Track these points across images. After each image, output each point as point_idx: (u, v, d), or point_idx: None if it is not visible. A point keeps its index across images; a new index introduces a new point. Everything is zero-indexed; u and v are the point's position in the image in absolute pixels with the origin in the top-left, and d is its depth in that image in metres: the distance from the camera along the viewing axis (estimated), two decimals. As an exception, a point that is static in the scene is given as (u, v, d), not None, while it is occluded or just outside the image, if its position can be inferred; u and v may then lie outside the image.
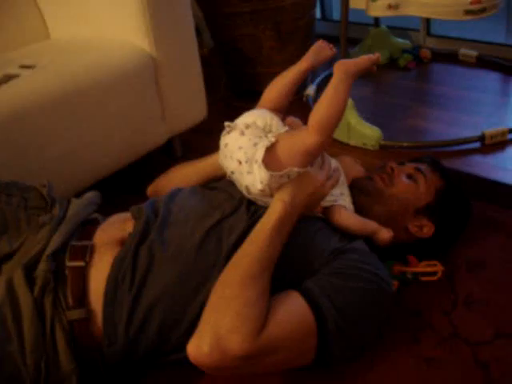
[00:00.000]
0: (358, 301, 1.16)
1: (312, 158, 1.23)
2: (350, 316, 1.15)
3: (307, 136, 1.18)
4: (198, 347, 1.03)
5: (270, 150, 1.19)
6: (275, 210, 1.19)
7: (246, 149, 1.23)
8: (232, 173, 1.27)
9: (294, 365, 1.18)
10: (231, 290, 1.08)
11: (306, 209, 1.26)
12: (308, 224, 1.28)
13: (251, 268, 1.11)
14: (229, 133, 1.29)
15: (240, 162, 1.23)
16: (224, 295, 1.08)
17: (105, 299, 1.17)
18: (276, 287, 1.14)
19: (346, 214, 1.34)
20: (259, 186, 1.20)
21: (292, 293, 1.15)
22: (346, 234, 1.32)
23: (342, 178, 1.39)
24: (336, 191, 1.36)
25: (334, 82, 1.20)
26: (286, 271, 1.19)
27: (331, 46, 1.45)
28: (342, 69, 1.21)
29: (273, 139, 1.20)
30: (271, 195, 1.23)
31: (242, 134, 1.26)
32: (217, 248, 1.21)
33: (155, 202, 1.36)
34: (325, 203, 1.34)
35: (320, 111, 1.18)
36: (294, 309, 1.12)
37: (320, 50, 1.43)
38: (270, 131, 1.29)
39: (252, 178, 1.21)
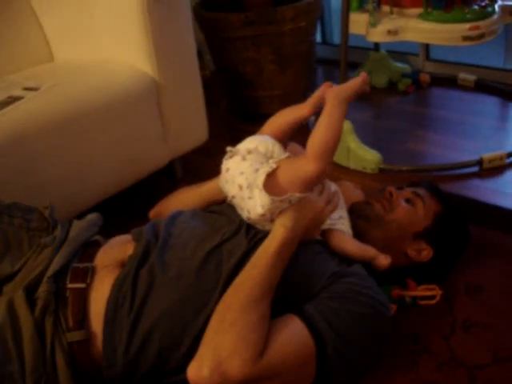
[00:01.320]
0: (356, 325, 1.17)
1: (312, 184, 1.24)
2: (349, 340, 1.15)
3: (306, 164, 1.18)
4: (199, 370, 1.04)
5: (271, 175, 1.20)
6: (277, 235, 1.20)
7: (247, 174, 1.24)
8: (233, 197, 1.28)
9: None
10: (232, 313, 1.09)
11: (305, 233, 1.27)
12: (307, 248, 1.29)
13: (252, 292, 1.12)
14: (231, 157, 1.31)
15: (241, 187, 1.24)
16: (225, 319, 1.09)
17: (105, 321, 1.17)
18: (275, 311, 1.15)
19: (344, 238, 1.35)
20: (260, 211, 1.21)
21: (291, 317, 1.15)
22: (345, 258, 1.33)
23: (341, 202, 1.40)
24: (335, 215, 1.36)
25: (327, 109, 1.22)
26: (285, 295, 1.20)
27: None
28: (334, 96, 1.22)
29: (274, 165, 1.21)
30: (271, 220, 1.24)
31: (244, 159, 1.28)
32: (216, 271, 1.21)
33: (156, 225, 1.37)
34: (323, 226, 1.34)
35: (317, 139, 1.19)
36: (293, 333, 1.13)
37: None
38: (272, 157, 1.30)
39: (253, 202, 1.21)
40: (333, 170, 2.09)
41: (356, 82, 1.25)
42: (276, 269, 1.16)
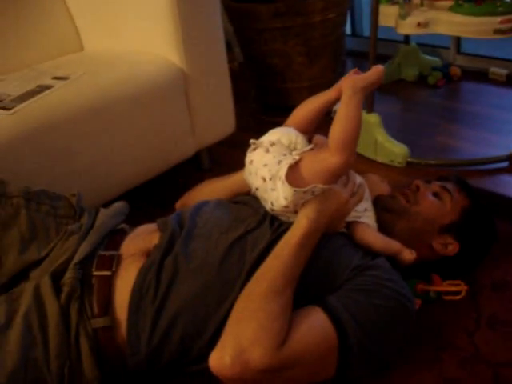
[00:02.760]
0: (380, 318, 1.17)
1: (336, 176, 1.23)
2: (371, 333, 1.15)
3: (329, 155, 1.18)
4: (221, 359, 1.04)
5: (294, 167, 1.20)
6: (300, 225, 1.20)
7: (270, 166, 1.24)
8: (256, 189, 1.29)
9: (315, 380, 1.18)
10: (255, 303, 1.10)
11: (329, 225, 1.27)
12: (332, 240, 1.29)
13: (275, 282, 1.12)
14: (254, 150, 1.31)
15: (264, 179, 1.24)
16: (247, 308, 1.10)
17: (129, 309, 1.18)
18: (298, 302, 1.15)
19: (369, 232, 1.34)
20: (283, 203, 1.21)
21: (314, 308, 1.15)
22: (369, 252, 1.32)
23: (367, 195, 1.39)
24: (360, 207, 1.36)
25: (343, 99, 1.21)
26: (308, 286, 1.20)
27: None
28: (349, 85, 1.22)
29: (297, 157, 1.21)
30: (295, 211, 1.24)
31: (267, 151, 1.28)
32: (240, 261, 1.22)
33: (181, 214, 1.38)
34: (348, 218, 1.34)
35: (336, 130, 1.19)
36: (316, 324, 1.13)
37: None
38: (295, 149, 1.30)
39: (276, 194, 1.22)
40: (360, 163, 2.12)
41: (372, 72, 1.25)
42: (299, 259, 1.17)
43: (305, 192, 1.19)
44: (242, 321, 1.08)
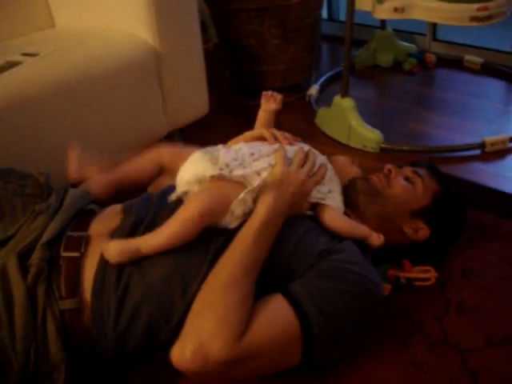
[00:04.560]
0: (343, 303, 1.16)
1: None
2: (335, 319, 1.14)
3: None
4: (181, 352, 1.03)
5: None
6: (257, 213, 1.19)
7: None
8: None
9: (279, 369, 1.17)
10: (213, 294, 1.09)
11: (291, 208, 1.26)
12: (297, 224, 1.28)
13: (234, 272, 1.11)
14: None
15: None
16: (207, 300, 1.09)
17: (92, 294, 1.17)
18: (263, 289, 1.14)
19: (335, 215, 1.33)
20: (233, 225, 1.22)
21: (277, 296, 1.14)
22: (336, 235, 1.32)
23: (331, 175, 1.38)
24: (323, 188, 1.35)
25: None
26: (273, 273, 1.19)
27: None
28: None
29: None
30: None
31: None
32: (204, 249, 1.20)
33: (148, 200, 1.36)
34: (311, 199, 1.33)
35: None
36: (277, 313, 1.12)
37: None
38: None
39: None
40: (332, 147, 2.13)
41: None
42: (258, 248, 1.16)
43: (234, 219, 1.21)
44: (201, 313, 1.08)
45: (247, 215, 1.23)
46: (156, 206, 1.31)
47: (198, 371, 1.04)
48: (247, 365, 1.08)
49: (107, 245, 1.17)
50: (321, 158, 1.38)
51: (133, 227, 1.25)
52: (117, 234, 1.24)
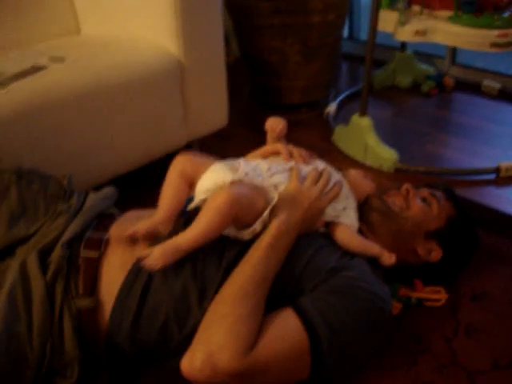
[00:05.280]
0: (353, 319, 1.16)
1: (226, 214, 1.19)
2: (344, 335, 1.14)
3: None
4: (191, 362, 1.05)
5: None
6: (270, 228, 1.21)
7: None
8: None
9: (288, 382, 1.18)
10: (224, 306, 1.10)
11: (305, 224, 1.28)
12: (311, 241, 1.29)
13: (244, 286, 1.12)
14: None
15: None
16: (218, 312, 1.10)
17: (121, 290, 1.19)
18: (273, 303, 1.16)
19: (348, 233, 1.34)
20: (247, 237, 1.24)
21: (286, 310, 1.15)
22: (349, 252, 1.33)
23: (346, 192, 1.39)
24: (338, 205, 1.36)
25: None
26: (284, 287, 1.20)
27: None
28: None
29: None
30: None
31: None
32: (219, 259, 1.22)
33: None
34: (326, 217, 1.34)
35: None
36: (287, 327, 1.12)
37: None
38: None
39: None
40: (349, 165, 2.14)
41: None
42: (269, 262, 1.17)
43: (251, 232, 1.23)
44: (211, 325, 1.09)
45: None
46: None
47: (207, 381, 1.05)
48: (255, 377, 1.08)
49: (149, 252, 1.15)
50: (336, 176, 1.39)
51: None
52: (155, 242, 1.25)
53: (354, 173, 1.50)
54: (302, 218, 1.26)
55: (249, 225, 1.22)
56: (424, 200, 1.45)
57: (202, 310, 1.15)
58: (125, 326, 1.18)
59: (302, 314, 1.14)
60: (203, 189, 1.24)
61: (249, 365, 1.05)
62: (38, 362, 1.10)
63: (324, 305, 1.16)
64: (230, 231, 1.24)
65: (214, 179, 1.24)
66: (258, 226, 1.22)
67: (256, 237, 1.23)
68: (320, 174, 1.34)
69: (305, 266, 1.23)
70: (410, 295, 1.47)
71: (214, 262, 1.21)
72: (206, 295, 1.18)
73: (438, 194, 1.48)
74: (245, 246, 1.22)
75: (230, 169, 1.27)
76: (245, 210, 1.20)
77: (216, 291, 1.15)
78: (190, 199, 1.30)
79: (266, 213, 1.22)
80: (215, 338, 1.05)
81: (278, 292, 1.18)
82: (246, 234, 1.23)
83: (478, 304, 1.50)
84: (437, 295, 1.48)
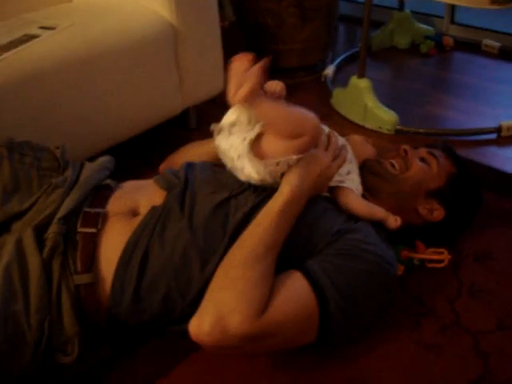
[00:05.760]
0: (359, 282, 1.17)
1: (303, 151, 1.21)
2: (352, 298, 1.15)
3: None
4: (200, 325, 1.04)
5: (258, 141, 1.19)
6: (282, 192, 1.20)
7: (235, 146, 1.23)
8: (231, 168, 1.28)
9: (296, 344, 1.19)
10: (235, 270, 1.09)
11: (313, 190, 1.26)
12: (315, 204, 1.28)
13: (256, 249, 1.11)
14: (218, 133, 1.28)
15: (233, 160, 1.23)
16: (228, 275, 1.09)
17: (118, 263, 1.18)
18: (280, 267, 1.15)
19: (353, 198, 1.33)
20: (257, 177, 1.21)
21: (294, 273, 1.15)
22: (353, 216, 1.32)
23: (350, 156, 1.38)
24: (343, 170, 1.35)
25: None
26: (291, 251, 1.19)
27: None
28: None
29: (257, 131, 1.19)
30: (275, 181, 1.23)
31: (230, 133, 1.26)
32: (223, 225, 1.21)
33: (176, 173, 1.37)
34: (331, 183, 1.33)
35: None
36: (295, 290, 1.12)
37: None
38: (258, 122, 1.24)
39: (247, 171, 1.21)
40: (348, 128, 2.12)
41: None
42: (281, 226, 1.16)
43: (277, 164, 1.19)
44: (221, 288, 1.08)
45: (267, 188, 1.25)
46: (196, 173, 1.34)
47: (215, 344, 1.05)
48: (264, 340, 1.08)
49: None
50: (341, 140, 1.38)
51: (179, 194, 1.28)
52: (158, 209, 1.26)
53: (356, 137, 1.49)
54: (313, 184, 1.25)
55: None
56: (423, 160, 1.44)
57: (205, 276, 1.15)
58: (126, 299, 1.17)
59: (309, 276, 1.14)
60: (228, 157, 1.26)
61: (259, 328, 1.05)
62: (36, 339, 1.09)
63: (331, 267, 1.16)
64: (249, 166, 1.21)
65: (233, 149, 1.24)
66: (281, 164, 1.20)
67: (263, 199, 1.22)
68: (329, 140, 1.32)
69: (311, 228, 1.23)
70: (412, 256, 1.46)
71: (217, 228, 1.21)
72: (209, 261, 1.17)
73: (437, 152, 1.46)
74: (251, 210, 1.22)
75: None
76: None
77: (222, 257, 1.15)
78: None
79: (295, 158, 1.20)
80: (226, 301, 1.05)
81: (286, 256, 1.17)
82: (255, 176, 1.21)
83: (481, 264, 1.49)
84: (439, 256, 1.47)
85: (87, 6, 2.04)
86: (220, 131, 1.28)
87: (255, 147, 1.18)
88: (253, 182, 1.24)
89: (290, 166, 1.21)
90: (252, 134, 1.19)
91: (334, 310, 1.12)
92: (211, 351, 1.12)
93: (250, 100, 1.14)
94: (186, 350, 1.26)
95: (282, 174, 1.23)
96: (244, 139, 1.21)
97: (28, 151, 1.35)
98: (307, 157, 1.23)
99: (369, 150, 1.48)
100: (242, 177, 1.25)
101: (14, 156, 1.31)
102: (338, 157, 1.32)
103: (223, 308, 1.04)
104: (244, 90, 1.12)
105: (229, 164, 1.27)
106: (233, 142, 1.24)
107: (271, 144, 1.18)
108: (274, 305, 1.08)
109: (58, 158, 1.37)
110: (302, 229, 1.22)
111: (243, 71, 1.16)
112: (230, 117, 1.29)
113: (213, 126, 1.29)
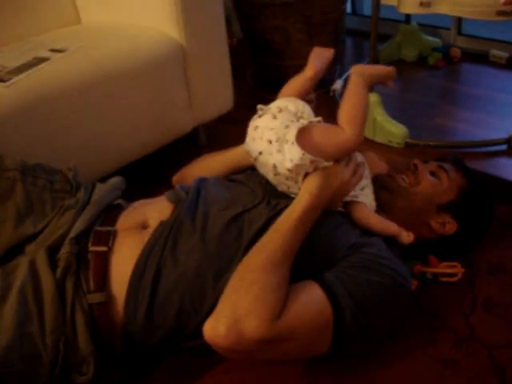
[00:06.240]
0: (375, 294, 1.16)
1: (345, 152, 1.27)
2: (367, 309, 1.15)
3: (342, 131, 1.21)
4: (215, 328, 1.04)
5: (304, 131, 1.21)
6: (302, 200, 1.20)
7: (277, 130, 1.24)
8: (260, 153, 1.27)
9: (309, 354, 1.19)
10: (252, 274, 1.09)
11: (329, 203, 1.27)
12: (329, 217, 1.28)
13: (274, 254, 1.12)
14: (260, 116, 1.30)
15: (270, 142, 1.24)
16: (245, 278, 1.09)
17: (131, 279, 1.19)
18: (295, 277, 1.15)
19: (367, 213, 1.33)
20: (288, 165, 1.21)
21: (311, 282, 1.15)
22: (366, 231, 1.32)
23: (366, 173, 1.39)
24: (358, 186, 1.35)
25: (353, 80, 1.28)
26: (305, 262, 1.19)
27: (328, 48, 1.49)
28: (357, 71, 1.28)
29: (305, 122, 1.23)
30: (295, 181, 1.25)
31: (275, 117, 1.28)
32: (237, 238, 1.22)
33: (187, 189, 1.38)
34: (346, 198, 1.34)
35: (348, 108, 1.24)
36: (312, 298, 1.12)
37: (319, 53, 1.47)
38: (302, 117, 1.30)
39: (281, 156, 1.22)
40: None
41: (383, 68, 1.34)
42: (298, 234, 1.17)
43: (311, 161, 1.20)
44: (238, 291, 1.08)
45: (281, 202, 1.27)
46: (195, 194, 1.34)
47: (230, 348, 1.04)
48: (278, 346, 1.08)
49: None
50: (359, 157, 1.38)
51: (189, 209, 1.29)
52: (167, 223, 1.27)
53: (370, 154, 1.50)
54: (330, 197, 1.26)
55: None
56: (433, 174, 1.44)
57: (219, 290, 1.14)
58: (140, 316, 1.18)
59: (326, 286, 1.14)
60: (264, 139, 1.27)
61: (275, 332, 1.05)
62: (52, 359, 1.10)
63: (347, 278, 1.16)
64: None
65: (274, 132, 1.26)
66: (313, 164, 1.22)
67: (277, 213, 1.23)
68: (349, 156, 1.33)
69: (325, 241, 1.24)
70: (425, 271, 1.45)
71: (230, 243, 1.21)
72: (223, 275, 1.18)
73: (447, 166, 1.46)
74: (265, 224, 1.22)
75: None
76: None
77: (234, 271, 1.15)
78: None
79: (324, 164, 1.23)
80: (242, 305, 1.04)
81: (299, 265, 1.17)
82: (298, 159, 1.21)
83: (495, 278, 1.48)
84: (453, 270, 1.47)
85: (96, 28, 2.07)
86: (263, 114, 1.31)
87: (300, 136, 1.20)
88: (279, 170, 1.24)
89: (315, 169, 1.23)
90: (299, 124, 1.22)
91: (349, 321, 1.12)
92: (224, 355, 1.11)
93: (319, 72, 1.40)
94: (200, 371, 1.26)
95: (303, 177, 1.24)
96: (286, 127, 1.24)
97: (41, 174, 1.36)
98: (329, 169, 1.24)
99: (382, 167, 1.49)
100: (270, 161, 1.25)
101: (27, 179, 1.33)
102: (356, 174, 1.33)
103: (240, 311, 1.04)
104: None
105: (261, 147, 1.27)
106: (275, 126, 1.26)
107: (314, 140, 1.21)
108: (290, 310, 1.08)
109: (70, 179, 1.38)
110: (316, 241, 1.22)
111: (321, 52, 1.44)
112: (278, 103, 1.34)
113: (260, 106, 1.33)
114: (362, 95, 1.25)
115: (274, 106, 1.33)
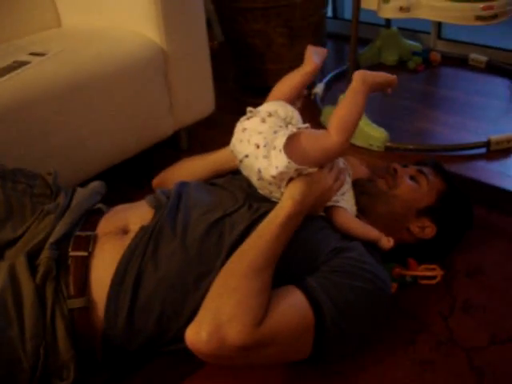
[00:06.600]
0: (356, 299, 1.17)
1: (330, 158, 1.27)
2: (347, 313, 1.15)
3: (329, 136, 1.21)
4: (197, 334, 1.04)
5: (291, 139, 1.20)
6: (285, 206, 1.20)
7: (265, 134, 1.25)
8: (246, 156, 1.28)
9: (290, 359, 1.20)
10: (235, 279, 1.09)
11: (312, 208, 1.28)
12: (310, 222, 1.29)
13: (256, 260, 1.12)
14: (249, 119, 1.31)
15: (258, 146, 1.24)
16: (227, 284, 1.10)
17: (112, 284, 1.18)
18: (276, 282, 1.15)
19: (348, 218, 1.34)
20: (273, 172, 1.21)
21: (292, 288, 1.16)
22: (347, 235, 1.33)
23: (347, 178, 1.40)
24: (339, 190, 1.36)
25: (353, 86, 1.26)
26: (287, 267, 1.20)
27: (322, 48, 1.52)
28: (360, 78, 1.26)
29: (294, 129, 1.23)
30: (278, 186, 1.25)
31: (263, 121, 1.28)
32: (218, 244, 1.22)
33: (168, 193, 1.38)
34: (327, 203, 1.34)
35: (341, 114, 1.24)
36: (293, 303, 1.13)
37: (315, 51, 1.49)
38: (290, 123, 1.31)
39: (267, 162, 1.22)
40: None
41: (386, 76, 1.34)
42: (280, 240, 1.17)
43: (296, 169, 1.20)
44: (220, 297, 1.08)
45: (262, 206, 1.27)
46: (175, 199, 1.34)
47: (212, 354, 1.04)
48: (260, 352, 1.08)
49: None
50: (341, 162, 1.39)
51: (170, 214, 1.28)
52: (148, 227, 1.26)
53: (351, 159, 1.51)
54: (313, 203, 1.27)
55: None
56: (412, 178, 1.45)
57: (200, 294, 1.15)
58: (120, 321, 1.18)
59: (307, 291, 1.14)
60: (251, 143, 1.27)
61: (257, 338, 1.05)
62: (32, 365, 1.09)
63: (328, 283, 1.16)
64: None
65: (262, 136, 1.26)
66: (297, 171, 1.23)
67: (258, 218, 1.24)
68: (332, 163, 1.33)
69: (306, 246, 1.24)
70: (404, 274, 1.46)
71: (211, 247, 1.22)
72: (204, 279, 1.18)
73: (427, 170, 1.48)
74: (246, 228, 1.22)
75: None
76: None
77: (216, 274, 1.14)
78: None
79: (309, 170, 1.23)
80: (225, 310, 1.05)
81: (281, 270, 1.17)
82: (283, 166, 1.21)
83: (473, 280, 1.50)
84: (432, 272, 1.48)
85: (76, 31, 2.06)
86: (252, 116, 1.31)
87: (288, 144, 1.20)
88: (263, 175, 1.24)
89: (298, 175, 1.23)
90: (289, 131, 1.22)
91: (330, 325, 1.13)
92: (206, 360, 1.11)
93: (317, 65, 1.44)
94: (182, 375, 1.26)
95: (287, 183, 1.25)
96: (275, 132, 1.24)
97: (21, 178, 1.36)
98: (313, 175, 1.25)
99: (362, 171, 1.50)
100: (256, 165, 1.25)
101: (6, 184, 1.32)
102: (338, 179, 1.34)
103: (222, 317, 1.04)
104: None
105: (247, 150, 1.27)
106: (263, 130, 1.26)
107: (301, 147, 1.21)
108: (272, 316, 1.08)
109: (50, 184, 1.37)
110: (298, 246, 1.23)
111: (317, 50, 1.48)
112: (268, 107, 1.34)
113: (249, 108, 1.33)
114: (360, 104, 1.24)
115: (263, 109, 1.33)
